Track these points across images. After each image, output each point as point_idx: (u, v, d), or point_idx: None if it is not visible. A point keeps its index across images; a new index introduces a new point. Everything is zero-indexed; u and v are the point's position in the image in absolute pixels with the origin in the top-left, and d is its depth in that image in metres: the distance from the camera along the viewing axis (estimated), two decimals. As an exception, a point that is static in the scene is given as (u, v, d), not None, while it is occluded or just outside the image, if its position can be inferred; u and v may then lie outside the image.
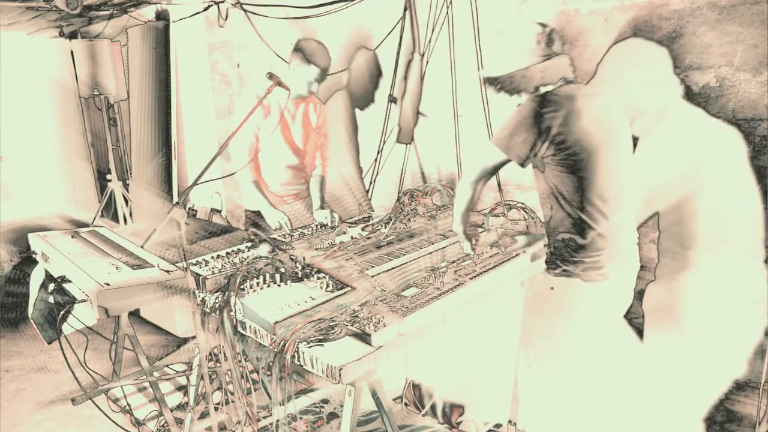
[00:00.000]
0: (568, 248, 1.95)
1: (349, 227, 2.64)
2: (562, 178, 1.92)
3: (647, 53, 2.30)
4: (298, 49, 2.85)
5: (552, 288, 2.00)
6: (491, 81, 2.03)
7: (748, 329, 2.16)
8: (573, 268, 1.95)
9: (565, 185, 1.91)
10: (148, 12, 5.41)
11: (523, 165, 1.98)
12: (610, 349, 2.03)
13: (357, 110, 3.81)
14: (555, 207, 1.97)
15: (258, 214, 3.02)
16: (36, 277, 2.58)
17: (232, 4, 4.27)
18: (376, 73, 3.61)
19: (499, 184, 2.99)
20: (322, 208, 3.01)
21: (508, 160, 2.00)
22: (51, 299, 2.22)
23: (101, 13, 5.57)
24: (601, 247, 1.92)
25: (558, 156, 1.89)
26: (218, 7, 4.46)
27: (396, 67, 3.37)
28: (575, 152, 1.87)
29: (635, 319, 2.46)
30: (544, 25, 1.96)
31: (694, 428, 2.29)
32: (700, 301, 2.22)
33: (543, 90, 1.96)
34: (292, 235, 2.54)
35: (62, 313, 2.15)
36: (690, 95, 2.25)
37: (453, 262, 2.19)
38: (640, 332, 2.42)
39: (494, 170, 2.07)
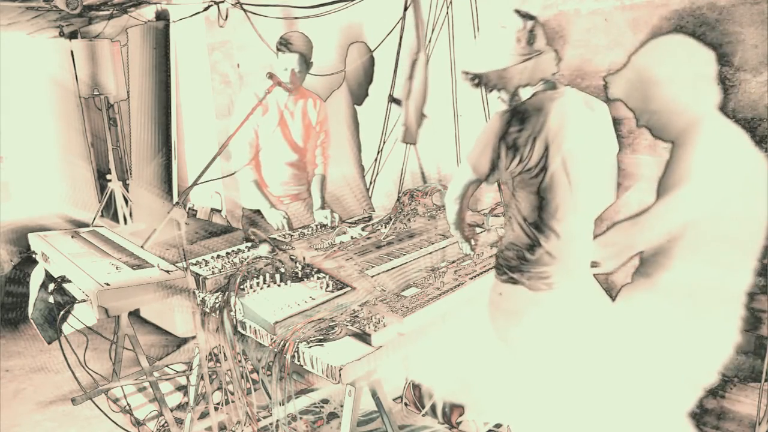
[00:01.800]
0: (515, 258, 1.91)
1: (349, 227, 2.64)
2: (523, 195, 1.86)
3: (688, 54, 2.15)
4: (280, 38, 2.85)
5: (500, 294, 1.96)
6: (469, 77, 1.92)
7: (724, 329, 2.14)
8: (518, 276, 1.90)
9: (525, 203, 1.86)
10: (148, 12, 5.41)
11: (488, 182, 1.91)
12: (566, 356, 1.99)
13: (356, 107, 3.82)
14: (512, 220, 1.92)
15: (257, 212, 3.02)
16: (36, 277, 2.58)
17: (232, 4, 4.27)
18: (369, 64, 3.60)
19: (499, 185, 2.99)
20: (322, 207, 3.00)
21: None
22: (51, 299, 2.22)
23: (101, 13, 5.57)
24: (548, 263, 1.88)
25: (522, 174, 1.82)
26: (218, 7, 4.46)
27: (396, 67, 3.37)
28: (539, 170, 1.80)
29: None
30: (530, 18, 1.81)
31: (680, 425, 2.28)
32: (683, 298, 2.19)
33: (522, 91, 1.87)
34: (292, 235, 2.54)
35: (62, 313, 2.15)
36: (725, 106, 2.13)
37: (453, 262, 2.19)
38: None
39: (474, 185, 1.99)
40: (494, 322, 2.02)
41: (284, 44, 2.81)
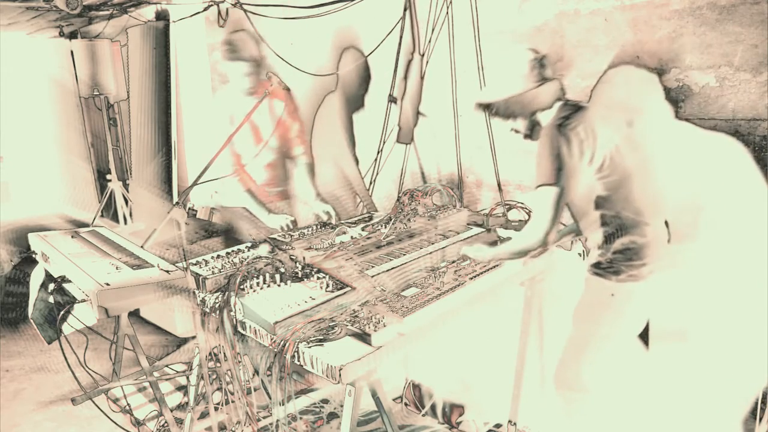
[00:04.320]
0: (629, 253, 1.98)
1: (349, 227, 2.64)
2: (609, 186, 1.96)
3: (637, 79, 2.37)
4: (225, 44, 2.82)
5: (612, 295, 2.01)
6: (485, 107, 2.09)
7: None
8: (638, 272, 1.98)
9: (614, 193, 1.96)
10: (148, 12, 5.41)
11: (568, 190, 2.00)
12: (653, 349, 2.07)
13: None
14: (605, 217, 2.00)
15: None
16: (36, 277, 2.58)
17: (232, 4, 4.27)
18: (365, 77, 3.59)
19: (499, 184, 2.99)
20: (322, 201, 2.98)
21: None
22: (51, 299, 2.22)
23: (101, 13, 5.57)
24: (649, 251, 1.97)
25: (600, 168, 1.95)
26: (218, 6, 4.46)
27: (396, 66, 3.37)
28: (611, 159, 1.93)
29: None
30: (536, 52, 2.03)
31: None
32: (709, 305, 2.21)
33: (540, 115, 2.03)
34: (292, 235, 2.54)
35: (62, 313, 2.15)
36: (680, 116, 2.30)
37: (453, 262, 2.19)
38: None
39: (561, 209, 2.00)
40: (595, 326, 2.08)
41: (234, 53, 2.77)
